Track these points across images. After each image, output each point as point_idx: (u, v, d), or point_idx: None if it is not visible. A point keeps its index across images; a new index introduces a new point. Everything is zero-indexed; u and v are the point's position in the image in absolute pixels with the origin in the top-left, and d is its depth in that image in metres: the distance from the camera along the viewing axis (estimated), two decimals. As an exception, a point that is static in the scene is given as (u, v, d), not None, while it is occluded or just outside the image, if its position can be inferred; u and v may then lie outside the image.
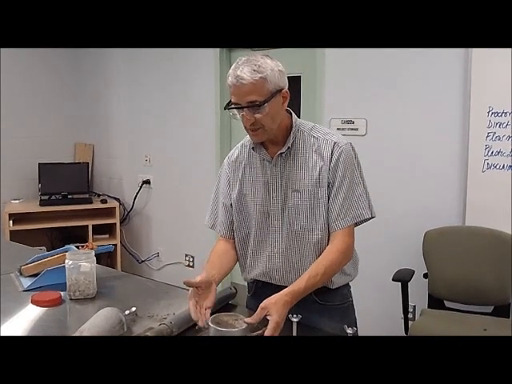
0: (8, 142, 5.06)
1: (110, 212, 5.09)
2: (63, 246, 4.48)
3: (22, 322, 1.91)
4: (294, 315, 1.50)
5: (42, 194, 5.04)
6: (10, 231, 4.67)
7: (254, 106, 1.66)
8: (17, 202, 5.04)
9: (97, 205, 5.09)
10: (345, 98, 3.72)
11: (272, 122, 1.72)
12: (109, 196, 5.31)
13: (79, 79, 5.46)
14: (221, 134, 4.45)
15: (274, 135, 1.78)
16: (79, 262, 2.08)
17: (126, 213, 5.26)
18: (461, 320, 2.93)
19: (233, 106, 1.70)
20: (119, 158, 5.35)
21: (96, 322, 1.71)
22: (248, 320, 1.55)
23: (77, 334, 1.67)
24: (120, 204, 5.20)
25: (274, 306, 1.57)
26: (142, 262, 5.19)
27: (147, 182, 5.07)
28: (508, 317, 2.96)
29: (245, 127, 1.75)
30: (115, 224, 5.05)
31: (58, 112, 5.43)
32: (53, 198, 5.10)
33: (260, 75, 1.63)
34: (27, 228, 4.76)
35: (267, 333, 1.52)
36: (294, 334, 1.48)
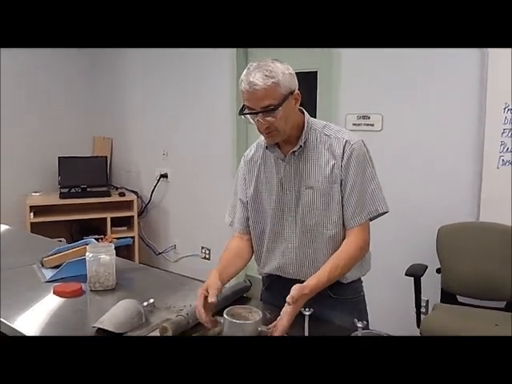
0: (28, 136, 5.17)
1: (128, 205, 5.18)
2: (82, 238, 4.59)
3: (45, 311, 1.98)
4: (307, 309, 1.54)
5: (61, 187, 5.14)
6: (31, 223, 4.77)
7: (269, 111, 1.70)
8: (37, 194, 5.15)
9: (115, 198, 5.19)
10: (361, 94, 3.75)
11: (285, 124, 1.76)
12: (127, 189, 5.40)
13: (98, 75, 5.54)
14: (237, 128, 4.50)
15: (288, 134, 1.82)
16: (99, 255, 2.15)
17: (144, 205, 5.34)
18: (473, 315, 2.96)
19: (247, 111, 1.74)
20: (137, 152, 5.43)
21: (115, 313, 1.78)
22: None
23: (97, 324, 1.74)
24: (138, 197, 5.28)
25: (301, 298, 1.61)
26: (159, 253, 5.27)
27: (164, 175, 5.14)
28: (520, 312, 2.98)
29: (259, 131, 1.80)
30: (133, 217, 5.14)
31: (77, 107, 5.53)
32: (72, 190, 5.20)
33: (272, 80, 1.67)
34: (47, 220, 4.87)
35: (279, 326, 1.58)
36: (306, 327, 1.53)
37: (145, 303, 1.91)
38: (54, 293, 2.12)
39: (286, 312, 1.59)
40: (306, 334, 1.53)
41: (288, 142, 1.85)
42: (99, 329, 1.74)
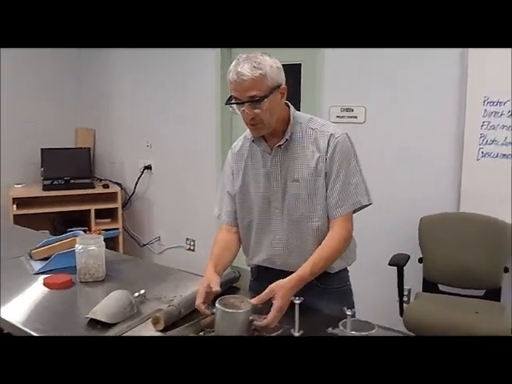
0: (10, 127, 5.12)
1: (111, 197, 5.17)
2: (66, 230, 4.59)
3: (36, 303, 2.01)
4: (297, 297, 1.58)
5: (44, 179, 5.11)
6: (14, 215, 4.75)
7: (254, 102, 1.74)
8: (19, 186, 5.10)
9: (99, 189, 5.17)
10: (344, 87, 3.80)
11: (270, 116, 1.80)
12: (110, 181, 5.39)
13: (81, 65, 5.51)
14: (222, 120, 4.51)
15: (273, 128, 1.86)
16: (89, 247, 2.17)
17: (128, 197, 5.34)
18: (454, 303, 3.04)
19: (234, 101, 1.78)
20: (120, 144, 5.42)
21: (108, 304, 1.81)
22: (254, 301, 1.65)
23: (90, 315, 1.77)
24: (121, 189, 5.28)
25: (280, 290, 1.68)
26: (144, 245, 5.28)
27: (148, 167, 5.14)
28: (499, 300, 3.07)
29: (245, 122, 1.84)
30: (117, 208, 5.13)
31: (59, 97, 5.47)
32: (55, 182, 5.17)
33: (260, 71, 1.71)
34: (31, 212, 4.84)
35: (270, 315, 1.63)
36: (297, 315, 1.57)
37: (136, 294, 1.94)
38: (44, 284, 2.14)
39: (274, 306, 1.64)
40: (297, 321, 1.58)
41: (274, 136, 1.89)
42: (91, 319, 1.77)
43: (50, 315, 1.88)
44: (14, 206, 4.79)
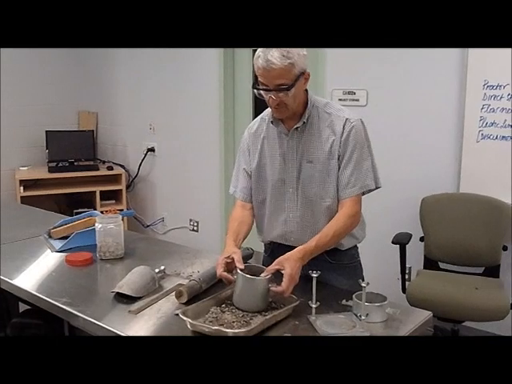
0: (13, 110, 5.17)
1: (115, 178, 5.25)
2: (72, 211, 4.67)
3: (59, 279, 2.10)
4: (314, 271, 1.69)
5: (49, 161, 5.17)
6: (21, 197, 4.83)
7: (282, 90, 1.81)
8: (25, 168, 5.18)
9: (103, 171, 5.25)
10: (346, 70, 3.86)
11: (294, 101, 1.88)
12: (114, 163, 5.46)
13: (85, 49, 5.53)
14: (224, 102, 4.56)
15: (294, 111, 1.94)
16: (108, 225, 2.26)
17: (131, 179, 5.41)
18: (454, 280, 3.15)
19: (261, 87, 1.84)
20: (123, 126, 5.47)
21: (132, 279, 1.91)
22: (264, 275, 1.75)
23: (116, 289, 1.86)
24: (125, 171, 5.35)
25: (286, 261, 1.78)
26: (148, 226, 5.37)
27: (151, 149, 5.21)
28: (498, 277, 3.17)
29: (269, 105, 1.92)
30: (121, 190, 5.21)
31: (61, 80, 5.51)
32: (60, 164, 5.24)
33: (289, 61, 1.77)
34: (37, 194, 4.92)
35: (283, 284, 1.72)
36: (314, 287, 1.68)
37: (156, 270, 2.04)
38: (66, 261, 2.23)
39: (285, 274, 1.74)
40: (314, 293, 1.68)
41: (291, 118, 1.97)
42: (117, 294, 1.87)
43: (75, 290, 1.97)
44: (21, 187, 4.86)
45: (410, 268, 3.57)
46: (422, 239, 3.39)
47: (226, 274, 1.81)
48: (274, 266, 1.78)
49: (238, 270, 1.74)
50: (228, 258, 1.83)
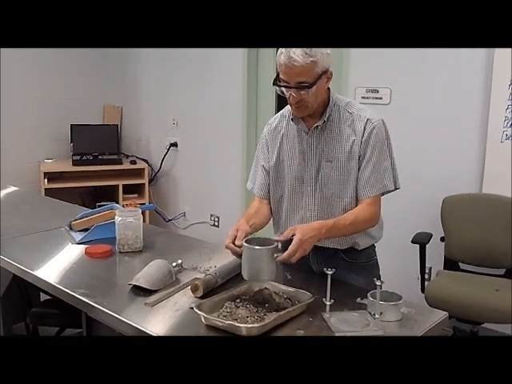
0: (40, 104, 5.25)
1: (138, 172, 5.30)
2: (94, 204, 4.72)
3: (79, 271, 2.14)
4: (329, 269, 1.69)
5: (73, 155, 5.24)
6: (45, 189, 4.90)
7: (303, 87, 1.80)
8: (50, 161, 5.26)
9: (126, 165, 5.30)
10: (370, 68, 3.84)
11: (315, 100, 1.88)
12: (137, 157, 5.51)
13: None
14: (247, 98, 4.56)
15: (314, 109, 1.93)
16: (128, 219, 2.29)
17: (154, 174, 5.46)
18: (474, 280, 3.12)
19: (282, 84, 1.84)
20: (147, 121, 5.52)
21: (149, 271, 1.93)
22: (276, 238, 1.76)
23: (133, 282, 1.89)
24: (148, 165, 5.40)
25: (299, 227, 1.77)
26: (169, 220, 5.41)
27: (174, 144, 5.24)
28: (519, 279, 3.14)
29: (289, 103, 1.91)
30: (144, 184, 5.26)
31: (87, 74, 5.57)
32: (84, 158, 5.31)
33: (311, 59, 1.75)
34: (61, 186, 4.99)
35: (290, 247, 1.71)
36: (328, 285, 1.68)
37: (174, 263, 2.06)
38: (85, 253, 2.27)
39: (294, 239, 1.72)
40: (328, 291, 1.68)
41: (312, 116, 1.97)
42: (134, 286, 1.89)
43: (93, 282, 2.00)
44: (45, 180, 4.93)
45: (430, 268, 3.54)
46: (442, 239, 3.36)
47: (232, 245, 1.80)
48: (287, 233, 1.76)
49: (243, 242, 1.74)
50: (237, 231, 1.83)
